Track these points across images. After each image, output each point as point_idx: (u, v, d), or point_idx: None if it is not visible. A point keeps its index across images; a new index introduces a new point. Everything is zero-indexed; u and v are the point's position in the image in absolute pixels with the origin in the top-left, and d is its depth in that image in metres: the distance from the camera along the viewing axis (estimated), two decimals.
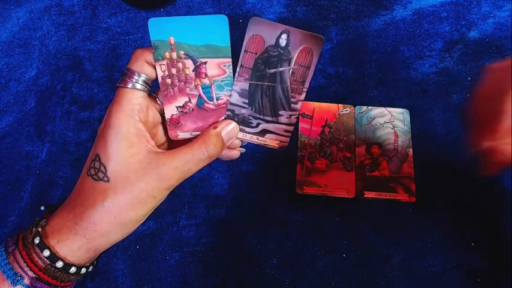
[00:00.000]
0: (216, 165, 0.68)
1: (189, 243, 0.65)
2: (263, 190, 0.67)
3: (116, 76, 0.74)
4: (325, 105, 0.71)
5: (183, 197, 0.67)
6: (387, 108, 0.70)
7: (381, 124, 0.69)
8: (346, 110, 0.70)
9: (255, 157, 0.69)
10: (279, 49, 0.39)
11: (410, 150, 0.68)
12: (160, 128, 0.45)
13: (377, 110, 0.70)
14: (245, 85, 0.41)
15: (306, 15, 0.76)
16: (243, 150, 0.47)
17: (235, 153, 0.46)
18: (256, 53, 0.39)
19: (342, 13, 0.76)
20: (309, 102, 0.71)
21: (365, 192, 0.66)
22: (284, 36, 0.38)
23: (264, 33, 0.38)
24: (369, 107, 0.70)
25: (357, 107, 0.71)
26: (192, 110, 0.42)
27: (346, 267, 0.63)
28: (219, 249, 0.64)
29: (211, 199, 0.67)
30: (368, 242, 0.64)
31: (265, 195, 0.67)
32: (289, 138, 0.44)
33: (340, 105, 0.71)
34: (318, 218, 0.65)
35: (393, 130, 0.69)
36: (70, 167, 0.69)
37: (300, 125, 0.70)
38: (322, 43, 0.38)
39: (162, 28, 0.38)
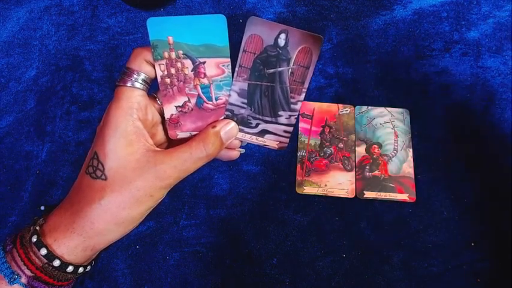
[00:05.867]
0: (216, 165, 0.68)
1: (189, 243, 0.65)
2: (263, 190, 0.67)
3: (116, 76, 0.73)
4: (325, 105, 0.71)
5: (183, 197, 0.67)
6: (387, 108, 0.70)
7: (381, 124, 0.69)
8: (346, 110, 0.70)
9: (255, 157, 0.69)
10: (278, 49, 0.39)
11: (410, 150, 0.68)
12: (160, 128, 0.45)
13: (377, 110, 0.70)
14: (244, 85, 0.41)
15: (306, 15, 0.76)
16: (242, 150, 0.47)
17: (235, 154, 0.46)
18: (254, 53, 0.39)
19: (342, 13, 0.76)
20: (309, 102, 0.71)
21: (365, 192, 0.66)
22: (283, 36, 0.38)
23: (263, 33, 0.38)
24: (369, 107, 0.70)
25: (357, 107, 0.71)
26: (192, 109, 0.42)
27: (346, 267, 0.63)
28: (219, 249, 0.64)
29: (211, 199, 0.67)
30: (368, 242, 0.64)
31: (265, 195, 0.67)
32: (288, 139, 0.44)
33: (340, 105, 0.71)
34: (318, 218, 0.65)
35: (393, 130, 0.69)
36: (70, 167, 0.69)
37: (300, 125, 0.70)
38: (321, 43, 0.38)
39: (161, 28, 0.38)
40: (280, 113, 0.42)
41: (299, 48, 0.39)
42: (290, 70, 0.40)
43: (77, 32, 0.77)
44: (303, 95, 0.41)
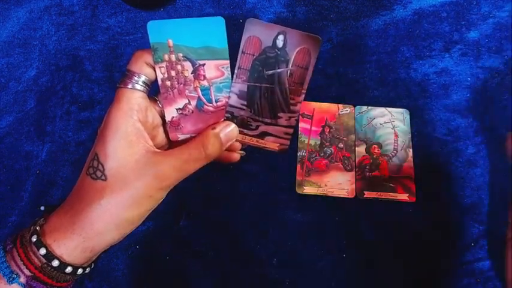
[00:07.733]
0: (216, 165, 0.68)
1: (189, 243, 0.65)
2: (263, 190, 0.67)
3: (116, 76, 0.73)
4: (325, 105, 0.71)
5: (182, 197, 0.67)
6: (387, 108, 0.70)
7: (380, 124, 0.69)
8: (346, 110, 0.70)
9: (255, 157, 0.69)
10: (276, 50, 0.39)
11: (410, 150, 0.68)
12: (160, 130, 0.45)
13: (377, 110, 0.70)
14: (243, 87, 0.41)
15: (305, 15, 0.76)
16: (243, 153, 0.47)
17: (236, 156, 0.46)
18: (253, 55, 0.39)
19: (342, 13, 0.76)
20: (309, 102, 0.71)
21: (365, 192, 0.66)
22: (281, 37, 0.38)
23: (261, 34, 0.38)
24: (369, 107, 0.70)
25: (357, 107, 0.71)
26: (192, 112, 0.42)
27: (346, 267, 0.63)
28: (219, 249, 0.64)
29: (211, 199, 0.67)
30: (368, 242, 0.64)
31: (265, 195, 0.67)
32: (289, 141, 0.44)
33: (340, 105, 0.71)
34: (318, 218, 0.65)
35: (393, 130, 0.69)
36: (70, 167, 0.69)
37: (300, 125, 0.70)
38: (320, 44, 0.38)
39: (161, 31, 0.38)
40: (280, 114, 0.42)
41: (297, 49, 0.39)
42: (289, 71, 0.40)
43: (77, 32, 0.77)
44: (303, 96, 0.41)
